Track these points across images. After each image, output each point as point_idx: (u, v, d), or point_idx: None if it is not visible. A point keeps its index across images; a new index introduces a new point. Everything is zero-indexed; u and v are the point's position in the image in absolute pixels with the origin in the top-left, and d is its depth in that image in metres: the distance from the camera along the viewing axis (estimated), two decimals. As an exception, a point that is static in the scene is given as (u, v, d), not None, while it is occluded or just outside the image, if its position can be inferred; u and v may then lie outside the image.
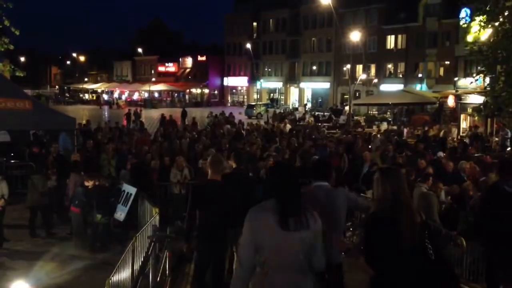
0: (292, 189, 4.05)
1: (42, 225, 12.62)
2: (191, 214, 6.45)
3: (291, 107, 66.14)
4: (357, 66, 58.91)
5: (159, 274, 8.48)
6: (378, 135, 23.61)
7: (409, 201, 4.36)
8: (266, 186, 4.56)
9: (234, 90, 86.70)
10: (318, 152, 16.13)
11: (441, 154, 15.67)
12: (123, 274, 7.65)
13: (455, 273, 5.20)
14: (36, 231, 12.43)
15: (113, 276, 6.86)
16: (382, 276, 4.17)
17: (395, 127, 34.76)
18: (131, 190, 11.90)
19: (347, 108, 44.17)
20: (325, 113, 51.07)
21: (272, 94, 79.09)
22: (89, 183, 11.66)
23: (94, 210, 11.54)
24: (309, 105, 68.28)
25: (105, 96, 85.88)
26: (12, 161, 16.65)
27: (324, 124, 38.03)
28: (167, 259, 8.67)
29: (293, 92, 76.32)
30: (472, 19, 23.49)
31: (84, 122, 26.07)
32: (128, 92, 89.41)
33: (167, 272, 8.72)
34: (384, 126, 35.57)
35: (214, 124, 29.49)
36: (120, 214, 11.73)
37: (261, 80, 76.77)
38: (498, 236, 6.47)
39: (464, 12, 37.01)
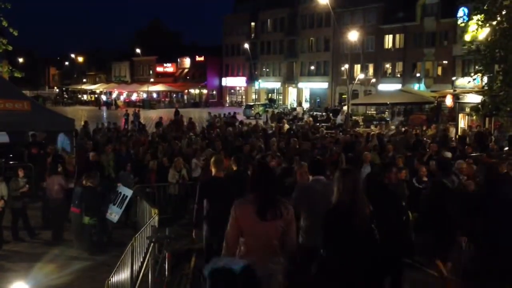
0: (268, 186, 4.97)
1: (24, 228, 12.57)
2: (199, 205, 7.67)
3: (289, 107, 66.13)
4: (355, 65, 58.93)
5: (158, 275, 8.50)
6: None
7: (362, 195, 5.28)
8: (249, 183, 5.30)
9: (232, 91, 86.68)
10: (318, 152, 16.19)
11: (448, 154, 15.65)
12: (123, 275, 7.67)
13: (398, 250, 6.66)
14: (18, 234, 12.41)
15: (112, 277, 6.88)
16: (335, 255, 5.11)
17: (393, 127, 34.79)
18: (127, 192, 11.92)
19: (345, 108, 44.18)
20: (323, 113, 51.06)
21: (270, 94, 79.10)
22: (88, 183, 11.67)
23: (86, 211, 11.51)
24: (306, 105, 68.19)
25: (104, 97, 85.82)
26: (11, 162, 16.63)
27: (323, 124, 38.03)
28: (166, 260, 8.69)
29: (291, 92, 76.33)
30: (470, 18, 23.53)
31: (82, 123, 26.07)
32: (126, 92, 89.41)
33: (166, 273, 8.73)
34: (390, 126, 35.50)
35: (210, 125, 29.52)
36: (114, 215, 11.74)
37: (259, 81, 76.81)
38: (439, 224, 7.56)
39: (462, 12, 37.11)
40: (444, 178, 9.22)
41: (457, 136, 26.33)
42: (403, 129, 28.37)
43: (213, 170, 7.68)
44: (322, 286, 5.31)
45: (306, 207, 6.64)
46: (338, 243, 5.13)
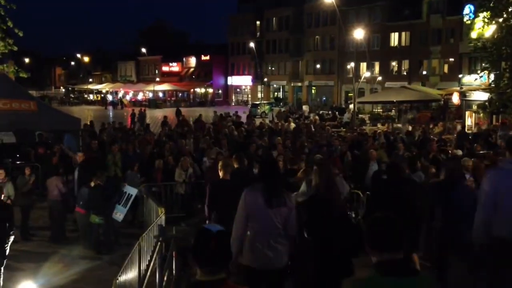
0: (275, 178, 5.80)
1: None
2: (210, 204, 7.97)
3: (295, 106, 66.11)
4: (361, 64, 58.86)
5: (166, 275, 8.50)
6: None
7: (335, 185, 6.32)
8: (258, 175, 6.31)
9: (238, 90, 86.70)
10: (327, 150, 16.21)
11: (459, 152, 15.58)
12: (130, 274, 7.68)
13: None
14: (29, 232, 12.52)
15: (120, 276, 6.89)
16: (314, 236, 5.85)
17: (399, 125, 34.70)
18: (132, 191, 11.93)
19: (351, 106, 44.12)
20: (329, 112, 51.01)
21: (276, 93, 79.09)
22: (91, 184, 11.67)
23: (92, 210, 11.53)
24: (305, 104, 68.13)
25: (110, 97, 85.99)
26: (18, 162, 16.68)
27: (329, 122, 37.98)
28: (173, 259, 8.68)
29: (297, 90, 76.29)
30: (476, 16, 23.48)
31: (88, 122, 26.09)
32: (132, 92, 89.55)
33: (173, 272, 8.73)
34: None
35: (213, 124, 29.53)
36: (119, 214, 11.75)
37: (265, 79, 76.79)
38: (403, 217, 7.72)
39: (468, 9, 37.02)
40: (412, 173, 10.17)
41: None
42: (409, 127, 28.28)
43: (221, 173, 8.02)
44: (303, 263, 6.06)
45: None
46: (316, 226, 5.90)
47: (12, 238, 9.29)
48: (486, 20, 20.91)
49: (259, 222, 5.63)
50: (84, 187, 11.83)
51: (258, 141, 18.00)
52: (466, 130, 28.53)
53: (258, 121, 32.03)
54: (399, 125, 34.27)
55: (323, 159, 8.65)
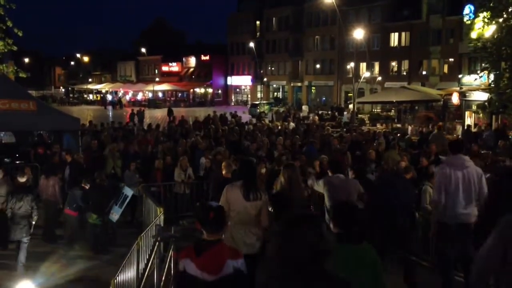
0: (252, 176, 6.87)
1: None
2: (214, 197, 8.84)
3: (295, 106, 66.09)
4: (361, 64, 58.85)
5: (164, 274, 8.48)
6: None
7: (300, 184, 7.82)
8: (237, 174, 7.40)
9: (238, 89, 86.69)
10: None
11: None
12: (128, 274, 7.66)
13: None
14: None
15: (118, 276, 6.87)
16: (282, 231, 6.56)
17: (399, 125, 34.70)
18: (128, 192, 11.93)
19: (351, 106, 44.12)
20: (329, 112, 51.00)
21: (275, 93, 79.09)
22: (86, 186, 11.63)
23: (90, 211, 11.49)
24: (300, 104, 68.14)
25: (109, 97, 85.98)
26: (18, 162, 16.66)
27: (328, 122, 37.93)
28: (172, 259, 8.67)
29: (297, 90, 76.29)
30: (476, 16, 23.46)
31: (87, 122, 26.05)
32: (132, 92, 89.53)
33: (172, 272, 8.71)
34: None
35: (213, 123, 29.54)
36: (115, 215, 11.75)
37: (265, 79, 76.77)
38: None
39: (468, 9, 37.00)
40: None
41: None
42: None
43: (224, 172, 9.09)
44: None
45: (330, 195, 7.92)
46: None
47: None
48: (486, 20, 20.91)
49: (237, 214, 6.59)
50: (76, 189, 11.77)
51: (246, 142, 18.14)
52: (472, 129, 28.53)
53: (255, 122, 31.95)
54: (398, 125, 34.29)
55: (289, 162, 9.32)
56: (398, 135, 23.20)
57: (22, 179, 10.80)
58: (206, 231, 4.36)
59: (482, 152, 16.43)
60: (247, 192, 6.60)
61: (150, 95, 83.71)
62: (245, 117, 41.20)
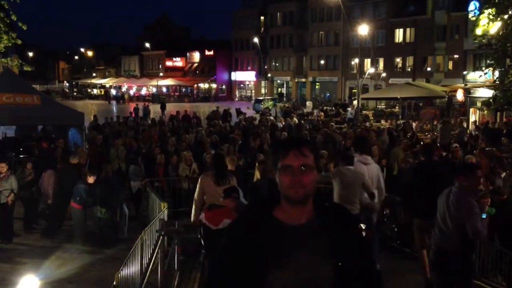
0: (222, 166, 8.40)
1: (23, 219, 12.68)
2: None
3: (299, 102, 66.02)
4: (365, 60, 58.66)
5: (168, 268, 8.50)
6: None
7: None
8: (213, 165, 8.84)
9: (242, 85, 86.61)
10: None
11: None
12: (132, 268, 7.67)
13: None
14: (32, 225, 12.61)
15: (122, 270, 6.89)
16: None
17: (403, 121, 34.61)
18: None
19: (355, 102, 44.02)
20: (333, 108, 50.92)
21: (280, 89, 78.99)
22: (91, 180, 11.62)
23: (97, 204, 11.50)
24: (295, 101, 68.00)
25: (113, 91, 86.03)
26: (21, 156, 16.68)
27: (333, 118, 37.88)
28: (176, 253, 8.69)
29: (301, 86, 76.21)
30: (481, 12, 23.37)
31: (91, 117, 26.07)
32: (136, 87, 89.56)
33: (175, 266, 8.73)
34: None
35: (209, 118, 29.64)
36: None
37: (269, 75, 76.66)
38: None
39: (473, 5, 36.84)
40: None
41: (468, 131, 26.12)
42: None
43: (229, 166, 9.46)
44: None
45: (340, 185, 8.48)
46: None
47: None
48: (491, 16, 20.81)
49: (210, 196, 7.93)
50: (80, 182, 11.79)
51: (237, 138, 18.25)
52: (470, 127, 28.46)
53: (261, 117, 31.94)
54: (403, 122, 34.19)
55: (262, 159, 10.71)
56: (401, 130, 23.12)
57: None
58: (222, 198, 7.03)
59: (486, 149, 16.39)
60: (217, 179, 8.03)
61: (154, 90, 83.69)
62: (249, 112, 41.17)
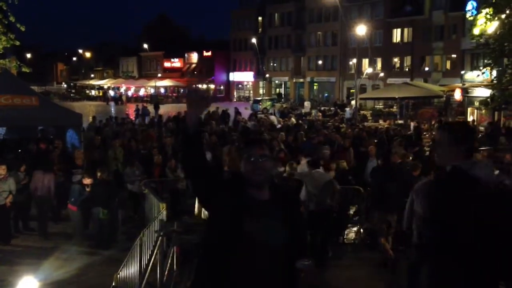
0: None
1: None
2: None
3: (297, 102, 66.02)
4: (363, 60, 58.70)
5: (167, 269, 8.51)
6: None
7: (238, 165, 8.55)
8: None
9: (240, 85, 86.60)
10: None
11: None
12: (131, 269, 7.69)
13: None
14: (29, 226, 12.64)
15: (121, 271, 6.90)
16: None
17: (401, 121, 34.65)
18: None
19: (353, 102, 44.03)
20: (332, 108, 50.94)
21: (278, 89, 79.00)
22: (87, 181, 11.62)
23: (98, 206, 11.49)
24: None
25: (112, 92, 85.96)
26: (20, 157, 16.61)
27: (330, 119, 37.91)
28: (175, 254, 8.70)
29: (299, 86, 76.22)
30: (478, 12, 23.41)
31: (89, 118, 26.06)
32: (134, 88, 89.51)
33: (174, 266, 8.74)
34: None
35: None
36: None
37: (267, 75, 76.68)
38: None
39: (470, 5, 36.85)
40: None
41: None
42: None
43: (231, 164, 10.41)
44: None
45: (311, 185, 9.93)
46: None
47: None
48: (488, 16, 20.83)
49: None
50: (76, 184, 11.78)
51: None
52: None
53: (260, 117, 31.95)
54: (401, 122, 34.23)
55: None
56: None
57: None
58: None
59: (483, 148, 16.44)
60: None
61: (152, 91, 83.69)
62: (247, 112, 41.17)
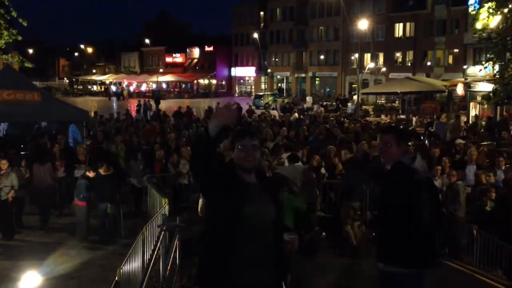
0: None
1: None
2: None
3: (299, 97, 65.98)
4: (365, 55, 58.54)
5: (169, 264, 8.52)
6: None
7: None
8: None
9: (241, 81, 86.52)
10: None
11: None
12: (134, 264, 7.70)
13: None
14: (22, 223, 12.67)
15: (123, 265, 6.91)
16: None
17: (403, 116, 34.64)
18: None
19: (355, 97, 44.02)
20: (333, 103, 50.92)
21: (279, 84, 78.91)
22: (91, 174, 11.65)
23: (104, 201, 11.52)
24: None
25: (113, 88, 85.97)
26: (22, 152, 16.68)
27: (332, 114, 37.89)
28: (177, 248, 8.71)
29: (301, 81, 76.14)
30: (481, 6, 23.32)
31: (91, 113, 26.04)
32: (136, 83, 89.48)
33: (177, 261, 8.75)
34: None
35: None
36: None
37: (269, 70, 76.59)
38: None
39: (472, -1, 36.75)
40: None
41: (467, 125, 26.17)
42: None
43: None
44: None
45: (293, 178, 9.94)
46: None
47: None
48: (491, 10, 20.75)
49: None
50: (82, 179, 11.81)
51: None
52: (470, 121, 28.43)
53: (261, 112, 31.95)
54: (403, 116, 34.20)
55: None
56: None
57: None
58: None
59: (485, 143, 16.44)
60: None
61: (154, 86, 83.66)
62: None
